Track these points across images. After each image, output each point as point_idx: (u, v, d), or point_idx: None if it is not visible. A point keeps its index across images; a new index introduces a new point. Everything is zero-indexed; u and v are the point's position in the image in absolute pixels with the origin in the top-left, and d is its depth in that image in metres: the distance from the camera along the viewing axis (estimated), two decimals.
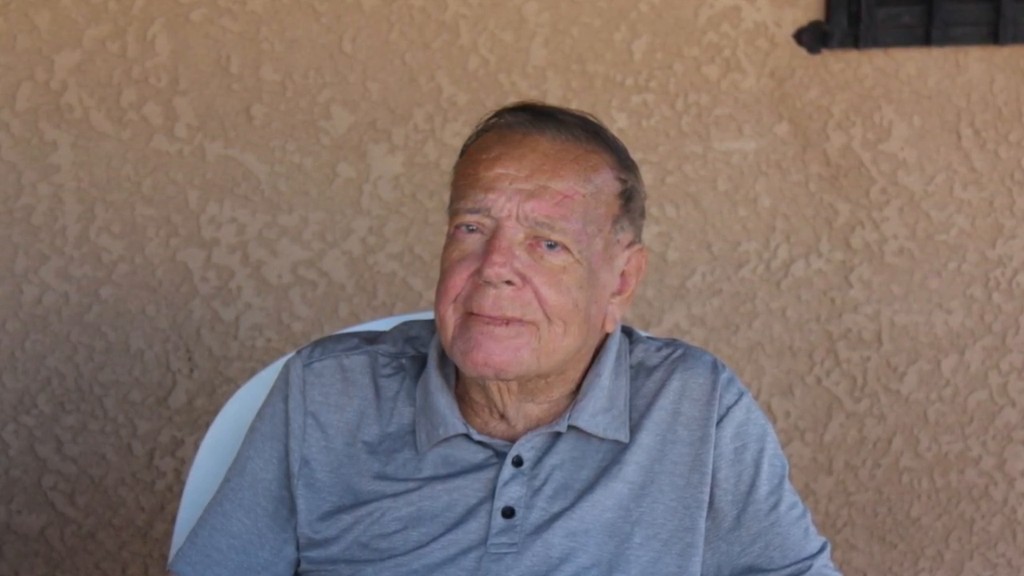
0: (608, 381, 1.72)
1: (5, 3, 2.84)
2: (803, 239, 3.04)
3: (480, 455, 1.70)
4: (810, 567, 1.72)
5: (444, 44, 2.93)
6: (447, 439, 1.71)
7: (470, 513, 1.68)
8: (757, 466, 1.72)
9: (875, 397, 3.10)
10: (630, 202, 1.71)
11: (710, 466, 1.70)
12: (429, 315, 1.76)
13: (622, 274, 1.72)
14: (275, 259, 2.94)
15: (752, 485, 1.71)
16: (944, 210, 3.05)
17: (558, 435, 1.71)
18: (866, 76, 3.01)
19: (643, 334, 1.83)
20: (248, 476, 1.77)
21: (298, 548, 1.75)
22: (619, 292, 1.72)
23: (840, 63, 3.00)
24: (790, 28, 2.99)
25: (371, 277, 2.97)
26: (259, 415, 1.79)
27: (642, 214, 1.75)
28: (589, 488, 1.69)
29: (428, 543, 1.67)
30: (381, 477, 1.71)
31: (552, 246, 1.63)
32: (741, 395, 1.74)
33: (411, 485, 1.70)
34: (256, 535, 1.75)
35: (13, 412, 2.94)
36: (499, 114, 1.71)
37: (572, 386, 1.73)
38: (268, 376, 1.96)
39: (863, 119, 3.01)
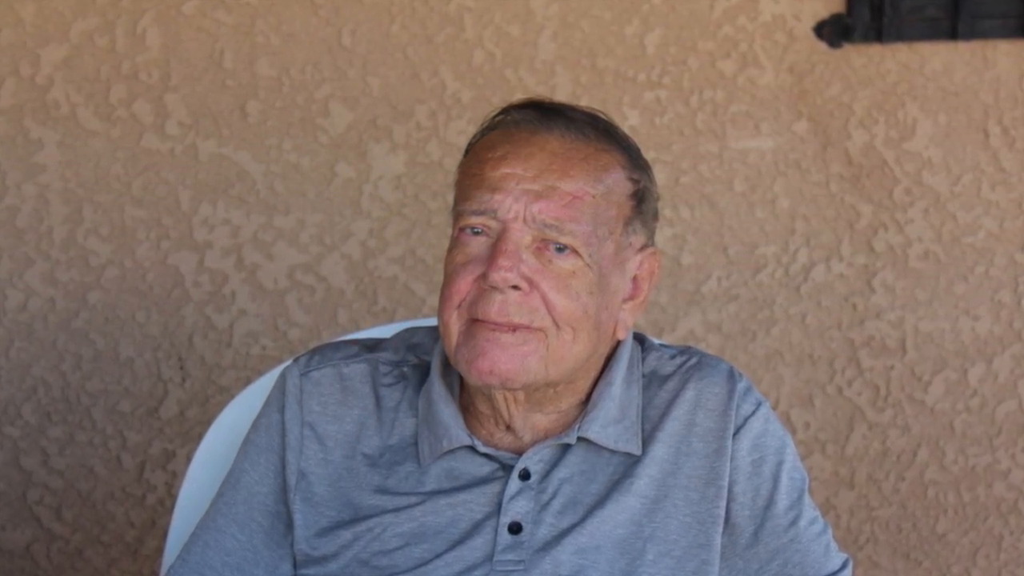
0: (619, 391, 1.71)
1: None
2: (823, 242, 3.04)
3: (485, 468, 1.70)
4: None
5: (448, 38, 2.95)
6: (451, 451, 1.70)
7: (475, 529, 1.67)
8: (775, 480, 1.71)
9: (899, 407, 3.10)
10: (642, 203, 1.70)
11: (726, 480, 1.70)
12: (432, 321, 1.75)
13: (634, 279, 1.71)
14: (271, 263, 2.95)
15: (770, 500, 1.70)
16: (971, 212, 3.05)
17: (567, 447, 1.71)
18: (889, 71, 3.01)
19: (656, 341, 1.82)
20: (243, 490, 1.76)
21: (295, 565, 1.74)
22: (631, 297, 1.71)
23: (862, 58, 3.00)
24: (810, 21, 3.00)
25: (371, 282, 2.97)
26: (254, 426, 1.79)
27: (655, 216, 1.74)
28: (599, 503, 1.68)
29: (431, 560, 1.66)
30: (382, 491, 1.70)
31: (561, 249, 1.62)
32: (759, 405, 1.73)
33: (413, 499, 1.69)
34: (251, 552, 1.74)
35: None
36: (505, 111, 1.70)
37: (582, 396, 1.72)
38: (263, 385, 1.96)
39: (886, 116, 3.02)
